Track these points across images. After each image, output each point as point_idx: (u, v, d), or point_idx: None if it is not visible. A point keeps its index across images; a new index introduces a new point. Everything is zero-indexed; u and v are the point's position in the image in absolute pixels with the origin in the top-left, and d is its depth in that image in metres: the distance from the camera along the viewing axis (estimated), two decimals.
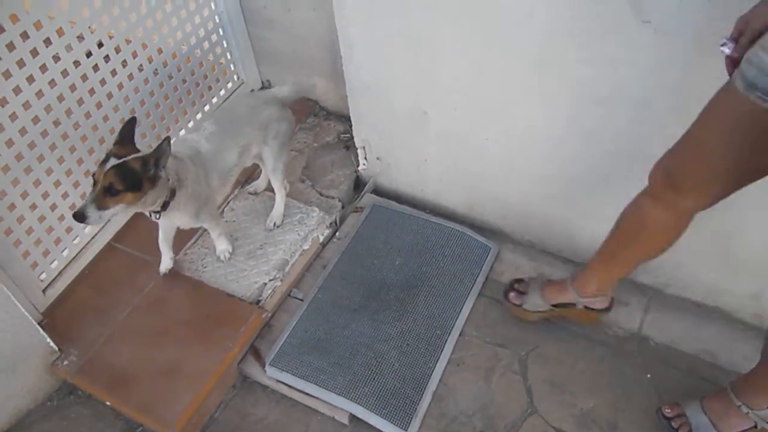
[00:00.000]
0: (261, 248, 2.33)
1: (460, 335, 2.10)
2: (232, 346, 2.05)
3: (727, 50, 1.20)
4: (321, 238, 2.37)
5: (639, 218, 1.60)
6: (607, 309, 2.01)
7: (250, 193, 2.52)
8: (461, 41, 1.92)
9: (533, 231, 2.30)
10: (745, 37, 1.18)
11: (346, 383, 1.98)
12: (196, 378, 1.99)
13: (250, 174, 2.54)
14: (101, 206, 1.70)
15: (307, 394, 1.99)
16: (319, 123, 2.77)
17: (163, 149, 1.74)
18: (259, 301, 2.18)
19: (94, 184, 1.72)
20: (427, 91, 2.14)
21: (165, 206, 1.90)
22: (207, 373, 1.99)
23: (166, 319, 2.15)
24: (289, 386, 2.01)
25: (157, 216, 1.94)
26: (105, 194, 1.70)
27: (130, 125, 1.80)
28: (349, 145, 2.65)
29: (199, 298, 2.20)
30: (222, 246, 2.28)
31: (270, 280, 2.23)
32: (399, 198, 2.53)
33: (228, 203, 2.48)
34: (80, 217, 1.69)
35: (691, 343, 2.02)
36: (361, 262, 2.30)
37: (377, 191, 2.57)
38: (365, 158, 2.52)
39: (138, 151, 1.78)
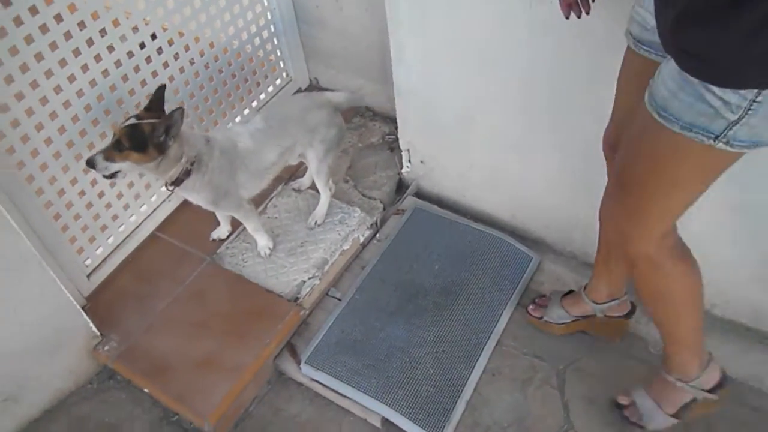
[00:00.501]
0: (301, 246, 2.32)
1: (497, 345, 2.06)
2: (269, 341, 2.05)
3: None
4: (361, 239, 2.36)
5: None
6: (629, 314, 1.95)
7: (294, 190, 2.51)
8: (512, 48, 1.89)
9: (576, 242, 2.25)
10: None
11: (379, 386, 1.96)
12: (232, 371, 1.99)
13: (295, 171, 2.53)
14: (108, 158, 1.82)
15: (341, 394, 1.98)
16: (365, 123, 2.76)
17: (174, 118, 1.80)
18: (297, 299, 2.17)
19: (113, 138, 1.84)
20: (475, 97, 2.11)
21: (179, 182, 1.94)
22: (244, 367, 2.00)
23: (206, 311, 2.16)
24: (324, 385, 2.00)
25: (170, 189, 1.98)
26: (114, 148, 1.81)
27: (159, 92, 1.89)
28: (393, 147, 2.63)
29: (238, 293, 2.20)
30: (263, 242, 2.28)
31: (309, 278, 2.22)
32: (441, 202, 2.50)
33: (271, 200, 2.48)
34: (90, 163, 1.83)
35: (738, 367, 1.95)
36: (399, 265, 2.27)
37: (419, 194, 2.54)
38: (409, 161, 2.49)
39: (157, 119, 1.84)
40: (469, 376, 1.98)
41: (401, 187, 2.58)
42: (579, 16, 1.32)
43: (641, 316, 1.99)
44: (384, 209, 2.47)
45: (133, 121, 1.82)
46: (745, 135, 1.09)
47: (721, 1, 0.97)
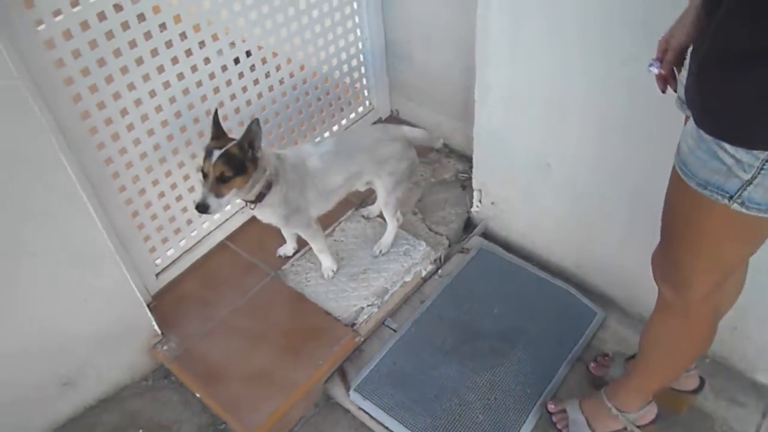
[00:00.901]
0: (364, 273, 2.30)
1: (552, 399, 1.97)
2: (322, 363, 2.02)
3: (655, 70, 1.25)
4: (423, 273, 2.32)
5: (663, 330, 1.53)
6: (697, 390, 1.85)
7: (363, 217, 2.50)
8: (594, 100, 1.84)
9: (644, 304, 2.13)
10: (668, 54, 1.22)
11: (426, 425, 1.90)
12: (283, 388, 1.97)
13: (366, 198, 2.52)
14: (218, 194, 1.80)
15: (386, 427, 1.92)
16: (440, 159, 2.73)
17: (253, 131, 1.80)
18: (354, 324, 2.14)
19: (205, 177, 1.81)
20: (554, 144, 2.06)
21: (261, 198, 1.94)
22: (295, 386, 1.97)
23: (264, 324, 2.16)
24: (370, 415, 1.95)
25: (252, 206, 1.97)
26: (218, 183, 1.79)
27: (215, 118, 1.86)
28: (465, 185, 2.59)
29: (298, 311, 2.19)
30: (327, 263, 2.27)
31: (368, 305, 2.19)
32: (508, 246, 2.44)
33: (339, 223, 2.48)
34: (203, 207, 1.79)
35: None
36: (459, 304, 2.22)
37: (486, 235, 2.49)
38: (480, 201, 2.45)
39: (232, 139, 1.84)
40: (520, 429, 1.89)
41: (469, 225, 2.53)
42: (675, 90, 1.29)
43: (710, 392, 1.87)
44: (449, 246, 2.42)
45: (217, 152, 1.78)
46: (760, 197, 1.06)
47: (739, 49, 0.95)
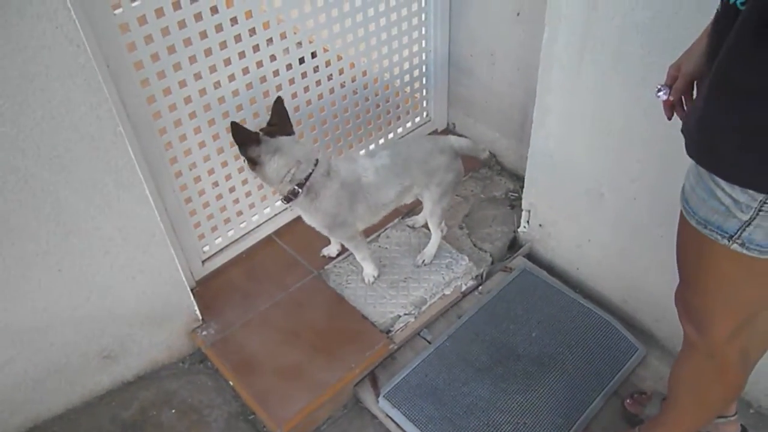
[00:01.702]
0: (404, 281, 2.23)
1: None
2: (354, 366, 1.97)
3: (663, 96, 1.22)
4: (463, 288, 2.24)
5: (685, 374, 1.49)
6: None
7: (408, 226, 2.44)
8: (654, 135, 1.75)
9: None
10: (678, 81, 1.20)
11: None
12: (314, 386, 1.92)
13: (413, 207, 2.46)
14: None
15: None
16: (491, 176, 2.65)
17: (241, 140, 1.82)
18: (389, 331, 2.08)
19: None
20: (609, 175, 1.96)
21: (287, 200, 1.92)
22: (325, 385, 1.92)
23: (302, 322, 2.11)
24: (397, 424, 1.88)
25: (285, 203, 1.96)
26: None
27: (278, 106, 1.89)
28: (514, 204, 2.50)
29: (335, 312, 2.14)
30: (368, 269, 2.22)
31: (405, 314, 2.12)
32: (551, 269, 2.34)
33: (385, 230, 2.42)
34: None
35: None
36: (497, 323, 2.13)
37: (531, 257, 2.39)
38: (527, 222, 2.36)
39: (290, 131, 1.89)
40: None
41: (514, 245, 2.44)
42: (681, 118, 1.22)
43: None
44: (492, 263, 2.34)
45: (236, 121, 1.84)
46: (761, 238, 1.00)
47: (737, 83, 0.93)
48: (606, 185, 2.00)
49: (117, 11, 1.64)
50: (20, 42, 1.34)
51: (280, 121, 1.88)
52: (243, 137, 1.82)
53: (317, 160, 1.91)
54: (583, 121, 1.94)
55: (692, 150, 1.06)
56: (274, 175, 1.87)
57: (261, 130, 1.87)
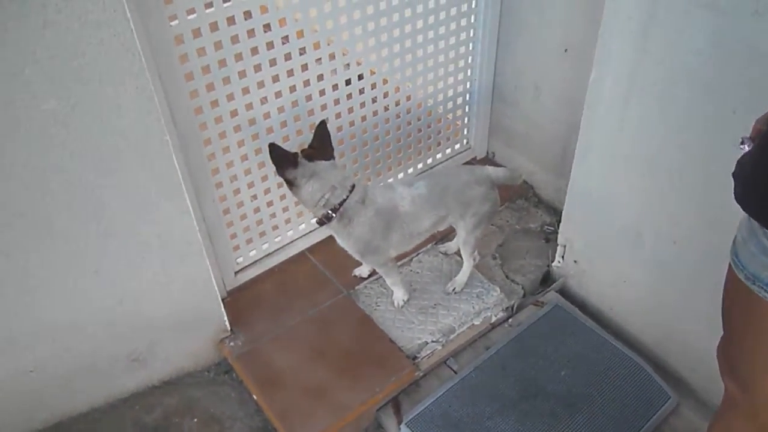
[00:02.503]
0: (434, 308, 2.17)
1: None
2: (378, 391, 1.90)
3: (745, 148, 1.14)
4: (493, 319, 2.16)
5: None
6: None
7: (440, 252, 2.38)
8: (702, 178, 1.67)
9: None
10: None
11: None
12: (337, 408, 1.86)
13: (446, 234, 2.40)
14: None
15: None
16: (528, 208, 2.58)
17: (276, 160, 1.81)
18: (415, 358, 2.01)
19: None
20: (650, 216, 1.88)
21: (321, 223, 1.90)
22: (348, 408, 1.86)
23: (329, 341, 2.06)
24: None
25: (319, 225, 1.94)
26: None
27: (321, 129, 1.87)
28: (550, 238, 2.42)
29: (363, 333, 2.08)
30: (399, 294, 2.16)
31: (432, 341, 2.06)
32: (584, 307, 2.24)
33: (418, 254, 2.36)
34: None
35: None
36: (525, 358, 2.04)
37: (564, 292, 2.30)
38: (562, 257, 2.27)
39: (330, 155, 1.87)
40: None
41: (547, 279, 2.36)
42: None
43: None
44: (524, 296, 2.26)
45: (274, 142, 1.81)
46: None
47: None
48: (646, 226, 1.91)
49: (173, 23, 1.64)
50: (78, 47, 1.34)
51: (320, 145, 1.86)
52: (281, 159, 1.80)
53: (353, 186, 1.88)
54: (626, 161, 1.87)
55: (746, 202, 1.00)
56: (308, 198, 1.85)
57: (301, 151, 1.84)
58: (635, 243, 1.96)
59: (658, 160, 1.77)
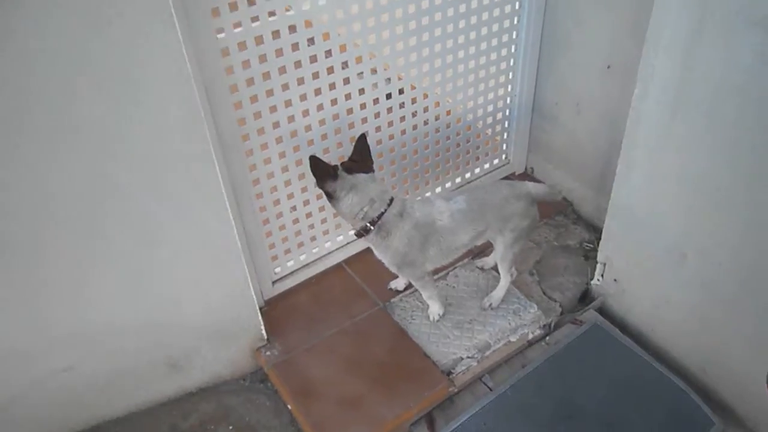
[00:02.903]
0: (470, 323, 2.12)
1: None
2: (412, 405, 1.87)
3: None
4: (530, 336, 2.10)
5: None
6: None
7: (477, 267, 2.33)
8: (749, 197, 1.60)
9: None
10: None
11: None
12: (371, 421, 1.84)
13: (483, 248, 2.36)
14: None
15: None
16: (566, 224, 2.52)
17: (317, 172, 1.79)
18: (450, 373, 1.97)
19: None
20: (694, 235, 1.81)
21: (359, 235, 1.88)
22: (382, 421, 1.83)
23: (364, 353, 2.04)
24: None
25: (357, 237, 1.92)
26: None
27: (361, 142, 1.86)
28: (589, 255, 2.36)
29: (398, 347, 2.05)
30: (434, 308, 2.12)
31: (467, 357, 2.01)
32: (624, 327, 2.17)
33: (454, 268, 2.32)
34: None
35: None
36: (563, 377, 1.98)
37: (603, 311, 2.23)
38: (602, 275, 2.21)
39: (369, 169, 1.85)
40: None
41: (585, 297, 2.29)
42: None
43: None
44: (561, 314, 2.19)
45: (315, 155, 1.79)
46: None
47: None
48: (690, 246, 1.84)
49: (220, 36, 1.65)
50: (127, 57, 1.36)
51: (360, 158, 1.85)
52: (321, 171, 1.79)
53: (391, 200, 1.86)
54: (670, 179, 1.81)
55: None
56: (347, 211, 1.84)
57: (341, 164, 1.83)
58: (679, 263, 1.89)
59: (704, 179, 1.71)
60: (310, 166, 1.78)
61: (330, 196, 1.84)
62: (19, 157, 1.36)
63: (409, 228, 1.87)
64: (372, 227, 1.85)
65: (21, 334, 1.62)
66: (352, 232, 1.93)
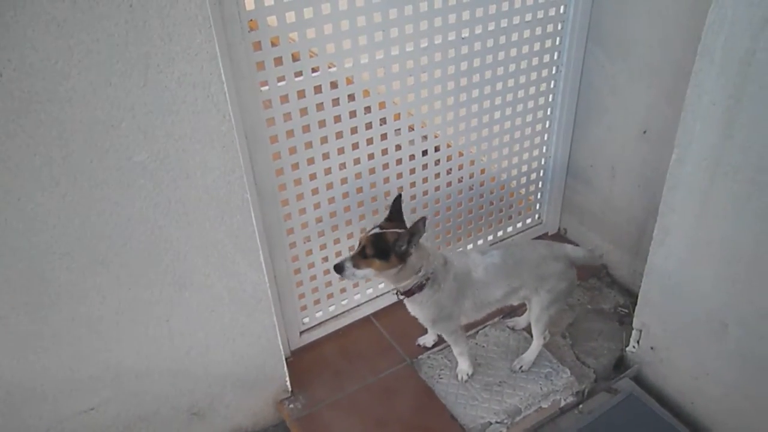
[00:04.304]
0: (499, 385, 2.01)
1: None
2: None
3: None
4: (563, 403, 1.97)
5: None
6: None
7: (508, 326, 2.23)
8: None
9: None
10: None
11: None
12: None
13: (515, 308, 2.26)
14: (355, 265, 1.71)
15: None
16: (600, 288, 2.41)
17: (417, 228, 1.68)
18: None
19: (359, 245, 1.74)
20: (736, 306, 1.69)
21: (410, 294, 1.78)
22: None
23: (389, 411, 1.93)
24: None
25: (400, 297, 1.84)
26: (360, 255, 1.72)
27: (397, 203, 1.80)
28: (624, 321, 2.24)
29: (424, 406, 1.95)
30: (463, 366, 2.02)
31: (496, 422, 1.89)
32: (662, 399, 2.01)
33: (484, 327, 2.22)
34: (339, 268, 1.72)
35: None
36: None
37: (639, 381, 2.08)
38: (638, 342, 2.08)
39: (403, 227, 1.74)
40: None
41: (620, 365, 2.15)
42: None
43: None
44: (595, 381, 2.06)
45: (377, 230, 1.72)
46: None
47: None
48: (731, 317, 1.72)
49: (263, 88, 1.66)
50: (173, 105, 1.36)
51: (398, 217, 1.79)
52: (407, 234, 1.69)
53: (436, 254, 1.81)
54: (709, 246, 1.71)
55: None
56: (412, 267, 1.74)
57: (379, 226, 1.76)
58: (719, 333, 1.76)
59: (744, 248, 1.61)
60: (379, 242, 1.70)
61: (402, 258, 1.71)
62: (70, 199, 1.35)
63: (451, 279, 1.81)
64: (426, 282, 1.78)
65: (50, 372, 1.57)
66: (399, 292, 1.82)
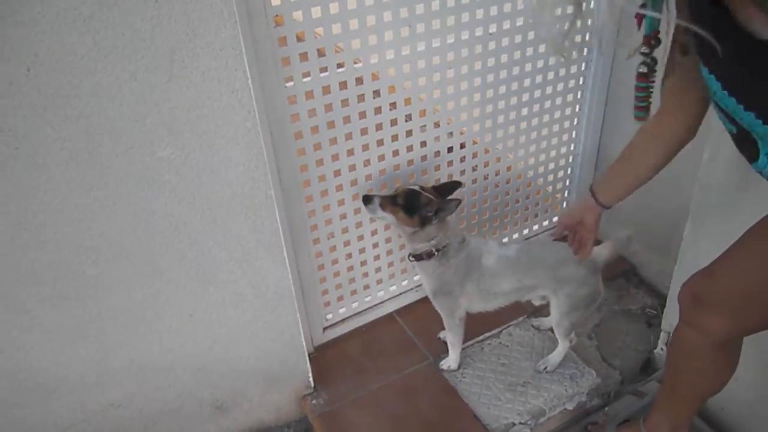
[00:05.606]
0: (523, 386, 1.96)
1: None
2: None
3: None
4: (588, 405, 1.92)
5: (678, 347, 1.45)
6: None
7: (533, 326, 2.18)
8: None
9: None
10: None
11: None
12: None
13: (540, 308, 2.20)
14: (382, 205, 1.78)
15: None
16: (628, 288, 2.34)
17: (448, 205, 1.75)
18: None
19: (394, 191, 1.83)
20: None
21: (419, 258, 1.83)
22: None
23: (411, 409, 1.90)
24: None
25: (410, 259, 1.86)
26: (389, 200, 1.78)
27: (454, 186, 1.86)
28: (652, 322, 2.17)
29: (446, 405, 1.91)
30: (452, 357, 2.02)
31: (520, 423, 1.85)
32: None
33: (509, 326, 2.18)
34: (367, 199, 1.80)
35: None
36: None
37: None
38: (666, 344, 2.01)
39: (441, 198, 1.79)
40: None
41: (648, 367, 2.08)
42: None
43: None
44: (621, 383, 2.00)
45: (417, 187, 1.78)
46: None
47: None
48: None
49: (288, 84, 1.63)
50: (198, 101, 1.34)
51: (442, 192, 1.82)
52: (438, 205, 1.75)
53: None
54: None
55: None
56: (430, 237, 1.79)
57: (421, 186, 1.80)
58: (749, 337, 1.68)
59: None
60: (411, 197, 1.76)
61: (424, 222, 1.76)
62: (96, 194, 1.34)
63: (463, 257, 1.82)
64: (436, 252, 1.80)
65: (76, 364, 1.57)
66: (410, 255, 1.85)
